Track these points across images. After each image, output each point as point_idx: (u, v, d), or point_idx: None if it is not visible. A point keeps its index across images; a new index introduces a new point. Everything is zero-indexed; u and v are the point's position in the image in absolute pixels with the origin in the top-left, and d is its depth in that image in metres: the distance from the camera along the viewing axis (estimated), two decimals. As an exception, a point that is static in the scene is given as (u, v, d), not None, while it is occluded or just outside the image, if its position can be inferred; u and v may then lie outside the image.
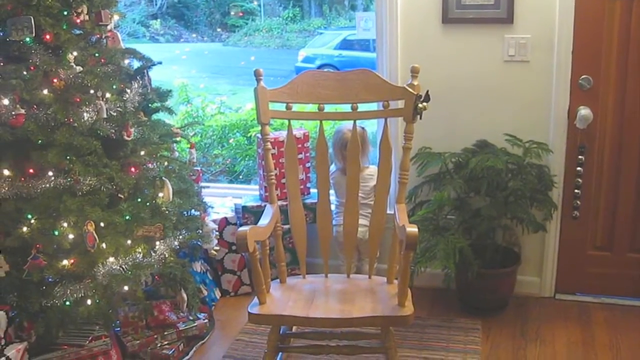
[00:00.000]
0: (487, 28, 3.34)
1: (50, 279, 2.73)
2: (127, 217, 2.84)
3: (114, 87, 2.88)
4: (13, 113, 2.67)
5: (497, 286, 3.40)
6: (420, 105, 2.78)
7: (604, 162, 3.38)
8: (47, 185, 2.71)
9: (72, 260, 2.73)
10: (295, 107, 2.87)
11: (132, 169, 2.92)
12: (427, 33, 3.42)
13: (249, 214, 3.58)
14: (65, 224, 2.72)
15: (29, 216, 2.71)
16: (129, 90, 2.96)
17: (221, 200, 3.82)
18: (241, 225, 3.60)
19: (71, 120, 2.75)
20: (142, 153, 3.00)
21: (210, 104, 5.22)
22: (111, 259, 2.77)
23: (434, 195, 3.27)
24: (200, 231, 3.18)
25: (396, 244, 2.80)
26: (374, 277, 2.88)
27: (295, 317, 2.54)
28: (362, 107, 2.87)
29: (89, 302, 2.75)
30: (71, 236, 2.71)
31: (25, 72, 2.71)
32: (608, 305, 3.45)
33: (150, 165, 3.02)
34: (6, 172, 2.71)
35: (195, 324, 3.18)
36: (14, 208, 2.73)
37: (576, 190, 3.40)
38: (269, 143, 2.88)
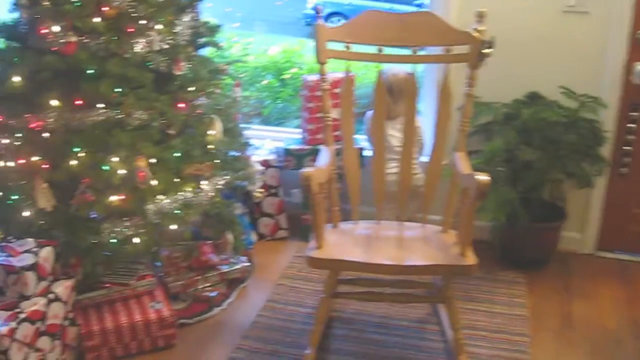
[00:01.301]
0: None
1: (96, 216, 2.66)
2: (178, 154, 2.76)
3: (166, 18, 2.78)
4: (64, 40, 2.57)
5: (542, 241, 3.37)
6: (485, 51, 2.70)
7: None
8: (97, 117, 2.61)
9: (121, 197, 2.65)
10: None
11: (181, 105, 2.82)
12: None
13: (291, 157, 3.50)
14: (114, 159, 2.64)
15: (78, 149, 2.62)
16: (180, 23, 2.85)
17: (259, 142, 3.73)
18: (282, 168, 3.51)
19: (123, 50, 2.65)
20: (191, 89, 2.90)
21: (235, 44, 5.07)
22: (160, 197, 2.70)
23: (486, 146, 3.19)
24: (245, 172, 3.11)
25: (454, 193, 2.75)
26: (427, 225, 2.83)
27: (357, 263, 2.47)
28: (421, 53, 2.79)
29: (135, 240, 2.69)
30: (121, 171, 2.63)
31: (76, -1, 2.60)
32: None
33: (198, 101, 2.92)
34: (54, 103, 2.61)
35: (238, 267, 3.12)
36: (63, 140, 2.63)
37: (626, 147, 3.34)
38: (326, 83, 2.79)
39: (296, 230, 3.64)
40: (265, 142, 3.71)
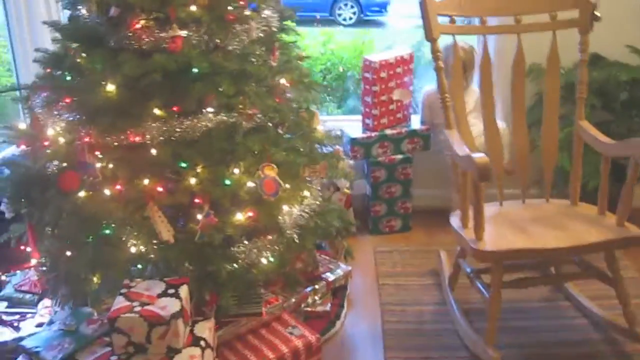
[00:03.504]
0: None
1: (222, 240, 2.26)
2: (291, 156, 2.41)
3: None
4: (169, 35, 2.13)
5: None
6: (597, 13, 2.59)
7: None
8: (208, 123, 2.20)
9: (249, 213, 2.27)
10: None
11: (277, 99, 2.47)
12: None
13: (358, 147, 3.20)
14: (236, 170, 2.25)
15: (189, 164, 2.20)
16: (267, 6, 2.47)
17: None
18: (352, 158, 3.20)
19: (226, 43, 2.25)
20: (283, 80, 2.53)
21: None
22: (286, 207, 2.34)
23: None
24: (341, 168, 2.79)
25: (578, 164, 2.62)
26: (551, 200, 2.68)
27: (532, 250, 2.27)
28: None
29: (263, 260, 2.32)
30: (250, 184, 2.25)
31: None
32: None
33: (289, 94, 2.57)
34: (157, 111, 2.18)
35: (341, 273, 2.81)
36: (171, 155, 2.20)
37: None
38: (440, 61, 2.54)
39: (365, 224, 3.38)
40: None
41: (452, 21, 2.56)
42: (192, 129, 2.17)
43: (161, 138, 2.15)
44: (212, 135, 2.19)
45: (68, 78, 2.25)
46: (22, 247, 2.54)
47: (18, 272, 2.73)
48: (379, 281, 2.94)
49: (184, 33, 2.13)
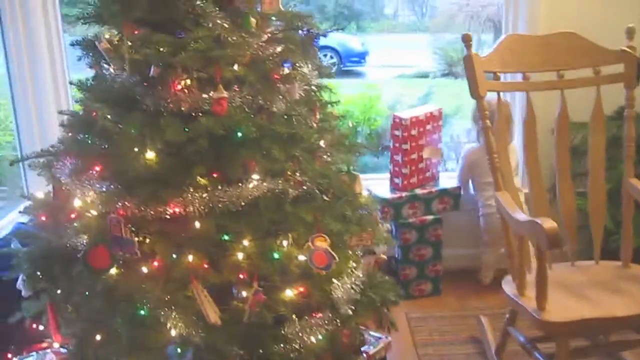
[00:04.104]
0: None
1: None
2: (340, 225, 2.23)
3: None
4: (215, 96, 1.96)
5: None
6: (645, 69, 2.52)
7: None
8: (254, 192, 2.02)
9: (300, 289, 2.08)
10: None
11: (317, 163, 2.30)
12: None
13: (388, 207, 3.04)
14: (285, 242, 2.07)
15: (231, 237, 2.01)
16: (307, 63, 2.32)
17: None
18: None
19: (269, 104, 2.09)
20: (322, 143, 2.38)
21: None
22: (336, 281, 2.16)
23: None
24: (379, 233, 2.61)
25: (629, 223, 2.50)
26: (603, 262, 2.55)
27: (600, 319, 2.13)
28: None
29: (312, 339, 2.12)
30: (301, 257, 2.06)
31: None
32: None
33: (328, 156, 2.41)
34: (199, 180, 1.99)
35: (381, 344, 2.62)
36: (214, 227, 2.01)
37: None
38: (488, 120, 2.42)
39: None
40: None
41: (496, 77, 2.47)
42: (237, 198, 1.99)
43: (204, 209, 1.97)
44: (259, 205, 2.01)
45: (96, 143, 2.07)
46: (35, 326, 2.31)
47: (34, 354, 2.48)
48: (418, 351, 2.75)
49: (225, 94, 1.97)
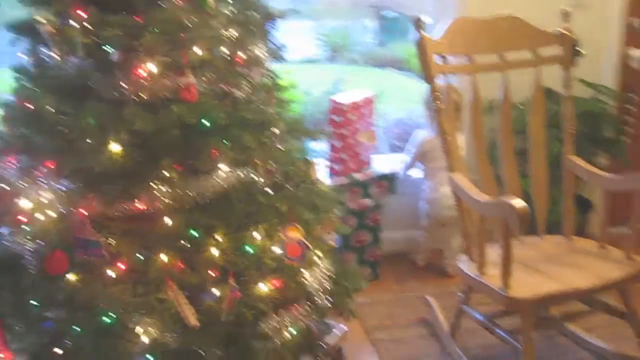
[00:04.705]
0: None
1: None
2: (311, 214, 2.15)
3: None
4: (183, 82, 1.82)
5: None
6: (580, 49, 2.62)
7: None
8: (223, 183, 1.91)
9: (274, 282, 1.99)
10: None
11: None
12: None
13: (329, 194, 2.97)
14: (256, 235, 1.97)
15: (199, 232, 1.89)
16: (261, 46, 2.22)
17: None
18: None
19: (233, 89, 1.98)
20: (276, 129, 2.28)
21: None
22: (304, 271, 2.08)
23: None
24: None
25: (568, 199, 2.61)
26: (547, 236, 2.64)
27: (564, 292, 2.19)
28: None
29: (286, 334, 2.04)
30: (276, 249, 1.97)
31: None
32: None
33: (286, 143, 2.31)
34: (166, 173, 1.85)
35: (339, 335, 2.55)
36: (184, 221, 1.87)
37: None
38: (440, 102, 2.42)
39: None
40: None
41: (445, 60, 2.48)
42: (207, 191, 1.87)
43: (173, 204, 1.84)
44: (230, 196, 1.90)
45: (43, 138, 1.87)
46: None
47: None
48: (371, 337, 2.74)
49: (192, 79, 1.84)
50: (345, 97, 2.97)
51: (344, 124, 2.93)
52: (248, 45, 2.05)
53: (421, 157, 3.15)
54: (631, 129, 3.44)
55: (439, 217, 3.12)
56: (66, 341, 1.85)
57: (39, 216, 1.82)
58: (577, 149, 3.13)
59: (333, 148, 2.99)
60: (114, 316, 1.81)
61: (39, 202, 1.81)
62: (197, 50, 1.85)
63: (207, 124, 1.85)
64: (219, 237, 1.88)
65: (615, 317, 2.50)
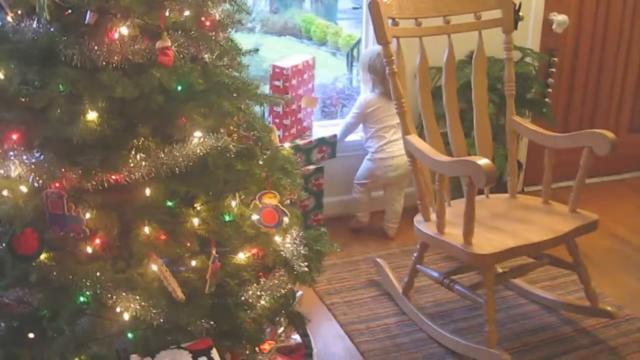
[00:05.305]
0: None
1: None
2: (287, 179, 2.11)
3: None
4: (161, 45, 1.72)
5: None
6: (520, 13, 2.72)
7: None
8: (199, 150, 1.82)
9: (252, 251, 1.95)
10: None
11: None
12: None
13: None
14: (233, 202, 1.91)
15: (174, 203, 1.82)
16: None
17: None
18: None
19: (202, 53, 1.89)
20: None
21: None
22: (278, 238, 2.05)
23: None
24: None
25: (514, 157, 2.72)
26: (492, 195, 2.74)
27: (522, 247, 2.29)
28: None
29: (262, 302, 2.01)
30: (255, 217, 1.92)
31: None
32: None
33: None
34: (148, 143, 1.74)
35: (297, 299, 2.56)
36: (163, 192, 1.79)
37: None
38: (394, 66, 2.44)
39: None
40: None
41: (395, 24, 2.50)
42: (184, 159, 1.79)
43: (150, 174, 1.75)
44: (207, 164, 1.84)
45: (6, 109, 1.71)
46: None
47: None
48: (325, 301, 2.76)
49: (168, 43, 1.75)
50: (286, 62, 2.93)
51: (287, 89, 2.90)
52: (212, 6, 1.97)
53: (363, 118, 3.18)
54: (552, 91, 3.65)
55: (383, 178, 3.17)
56: (40, 324, 1.74)
57: (6, 192, 1.69)
58: (500, 109, 3.29)
59: (274, 114, 2.95)
60: (92, 294, 1.73)
61: (7, 176, 1.68)
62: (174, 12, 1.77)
63: (180, 88, 1.78)
64: (198, 206, 1.82)
65: (561, 269, 2.67)
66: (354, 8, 11.39)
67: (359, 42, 6.98)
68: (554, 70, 3.62)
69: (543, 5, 3.52)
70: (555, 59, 3.61)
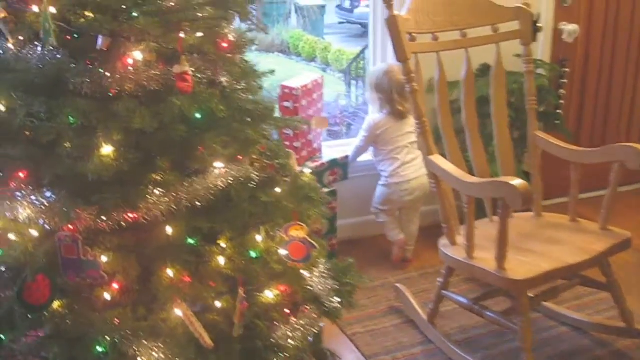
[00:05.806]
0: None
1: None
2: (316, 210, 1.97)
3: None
4: (179, 71, 1.58)
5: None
6: (539, 25, 2.61)
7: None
8: (220, 181, 1.68)
9: (281, 288, 1.80)
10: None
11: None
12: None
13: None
14: (258, 237, 1.77)
15: (196, 240, 1.67)
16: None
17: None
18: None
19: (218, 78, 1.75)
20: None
21: None
22: (306, 273, 1.91)
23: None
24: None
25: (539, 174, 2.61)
26: (516, 214, 2.61)
27: (558, 270, 2.17)
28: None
29: (291, 342, 1.86)
30: (282, 252, 1.78)
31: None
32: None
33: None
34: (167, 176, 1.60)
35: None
36: (184, 229, 1.64)
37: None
38: (415, 83, 2.31)
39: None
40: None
41: (413, 39, 2.38)
42: (206, 192, 1.66)
43: (172, 210, 1.60)
44: (230, 196, 1.70)
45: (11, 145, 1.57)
46: None
47: None
48: (346, 331, 2.61)
49: (187, 68, 1.61)
50: (295, 82, 2.80)
51: (297, 110, 2.76)
52: (229, 28, 1.84)
53: (373, 140, 3.05)
54: (564, 102, 3.56)
55: (399, 203, 3.04)
56: (54, 379, 1.59)
57: (14, 236, 1.54)
58: (519, 123, 3.19)
59: (285, 137, 2.82)
60: (110, 344, 1.57)
61: (10, 220, 1.53)
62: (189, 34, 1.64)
63: (199, 116, 1.65)
64: (222, 243, 1.68)
65: (595, 289, 2.55)
66: (340, 23, 11.41)
67: (356, 58, 6.90)
68: (565, 81, 3.52)
69: (553, 16, 3.42)
70: (567, 69, 3.52)
